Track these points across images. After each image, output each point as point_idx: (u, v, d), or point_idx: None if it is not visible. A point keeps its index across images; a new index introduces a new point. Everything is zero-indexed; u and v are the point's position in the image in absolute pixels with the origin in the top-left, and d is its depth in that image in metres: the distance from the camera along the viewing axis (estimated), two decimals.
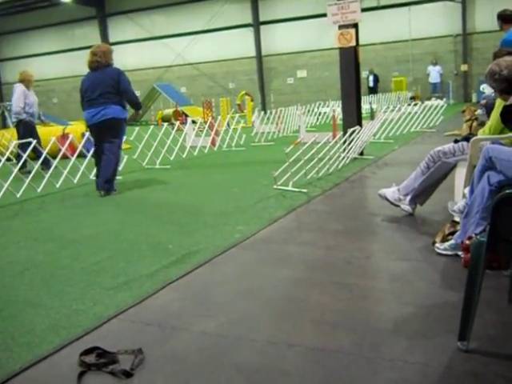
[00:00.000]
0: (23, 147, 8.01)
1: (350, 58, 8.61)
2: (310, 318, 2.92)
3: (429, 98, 23.32)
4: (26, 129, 9.56)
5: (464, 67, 26.11)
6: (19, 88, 9.56)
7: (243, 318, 2.99)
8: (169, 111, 24.37)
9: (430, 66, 25.70)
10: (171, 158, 10.24)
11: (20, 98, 9.42)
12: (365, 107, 15.23)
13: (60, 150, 8.34)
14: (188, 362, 2.51)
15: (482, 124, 9.10)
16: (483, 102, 10.54)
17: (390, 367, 2.36)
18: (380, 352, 2.50)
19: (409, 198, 4.84)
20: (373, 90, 25.23)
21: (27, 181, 7.43)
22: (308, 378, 2.33)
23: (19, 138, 9.19)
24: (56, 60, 34.83)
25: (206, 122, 12.86)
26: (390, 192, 4.96)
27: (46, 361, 2.63)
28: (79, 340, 2.81)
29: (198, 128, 12.43)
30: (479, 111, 12.02)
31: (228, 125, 13.60)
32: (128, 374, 2.40)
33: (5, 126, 23.02)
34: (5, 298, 3.55)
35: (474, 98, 23.85)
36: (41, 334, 2.95)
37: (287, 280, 3.55)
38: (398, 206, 4.93)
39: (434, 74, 25.58)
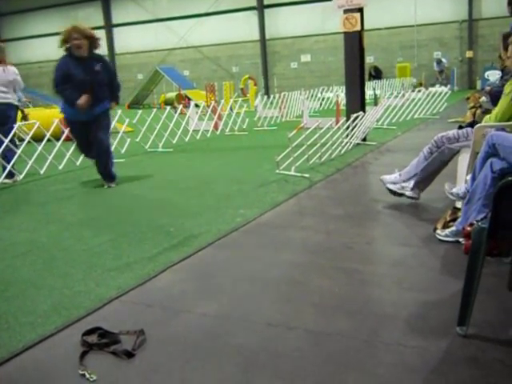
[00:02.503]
0: None
1: (354, 43, 8.56)
2: (310, 302, 2.94)
3: (433, 85, 23.21)
4: None
5: (469, 54, 25.97)
6: None
7: (244, 300, 3.01)
8: (172, 94, 24.31)
9: (435, 63, 25.54)
10: (174, 142, 10.24)
11: None
12: (368, 93, 15.17)
13: (63, 132, 8.34)
14: (189, 343, 2.54)
15: (486, 112, 9.05)
16: (487, 89, 10.48)
17: (388, 351, 2.39)
18: (379, 336, 2.52)
19: (412, 183, 4.81)
20: (375, 77, 25.16)
21: (30, 162, 7.44)
22: (307, 360, 2.35)
23: None
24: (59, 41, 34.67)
25: (208, 106, 12.83)
26: (392, 178, 4.93)
27: (49, 340, 2.66)
28: (81, 320, 2.84)
29: (201, 112, 12.40)
30: (483, 98, 11.96)
31: (231, 109, 13.57)
32: (130, 354, 2.43)
33: None
34: (8, 279, 3.58)
35: (479, 85, 23.74)
36: (43, 314, 2.97)
37: (288, 264, 3.57)
38: (402, 194, 4.88)
39: (441, 66, 25.52)
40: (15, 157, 7.25)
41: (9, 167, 7.10)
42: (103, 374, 2.31)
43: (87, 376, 2.27)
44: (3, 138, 6.97)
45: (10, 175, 7.19)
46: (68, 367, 2.38)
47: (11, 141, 7.19)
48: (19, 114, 7.72)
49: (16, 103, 7.40)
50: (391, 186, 4.92)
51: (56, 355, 2.52)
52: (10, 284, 3.47)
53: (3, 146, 7.03)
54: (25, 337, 2.70)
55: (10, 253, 4.16)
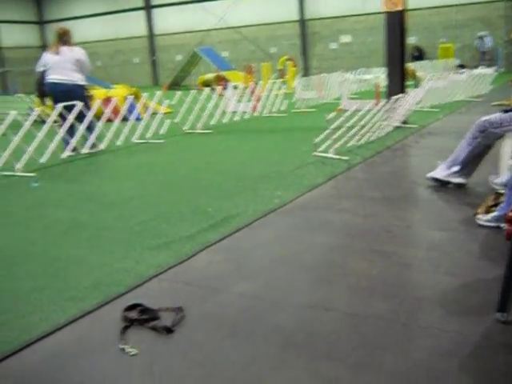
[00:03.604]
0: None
1: (396, 23, 8.38)
2: (347, 284, 2.94)
3: (476, 66, 22.56)
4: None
5: None
6: None
7: (281, 281, 3.03)
8: (210, 76, 24.32)
9: (477, 41, 24.76)
10: (212, 123, 10.28)
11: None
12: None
13: (104, 113, 8.47)
14: (226, 322, 2.58)
15: None
16: None
17: (425, 334, 2.37)
18: (416, 319, 2.51)
19: (456, 168, 4.69)
20: (418, 58, 24.59)
21: (72, 141, 7.59)
22: (344, 341, 2.36)
23: None
24: (99, 22, 35.04)
25: (247, 88, 12.81)
26: (438, 170, 4.82)
27: (91, 315, 2.74)
28: (122, 297, 2.92)
29: (239, 93, 12.39)
30: None
31: (269, 90, 13.50)
32: (169, 330, 2.49)
33: None
34: (51, 255, 3.69)
35: None
36: (85, 290, 3.07)
37: (325, 246, 3.57)
38: (448, 182, 4.74)
39: (483, 45, 24.73)
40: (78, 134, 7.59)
41: (72, 142, 7.37)
42: (143, 349, 2.37)
43: (127, 350, 2.34)
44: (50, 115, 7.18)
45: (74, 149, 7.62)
46: (109, 341, 2.45)
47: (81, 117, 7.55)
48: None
49: (82, 83, 7.68)
50: (437, 175, 4.78)
51: (97, 330, 2.60)
52: (53, 260, 3.59)
53: (65, 124, 7.32)
54: (67, 311, 2.80)
55: (52, 230, 4.29)
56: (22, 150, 6.80)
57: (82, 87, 7.71)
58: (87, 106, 7.71)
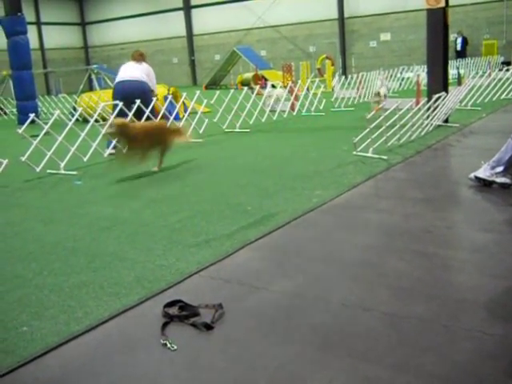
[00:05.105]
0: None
1: (438, 20, 8.24)
2: (386, 284, 2.92)
3: None
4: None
5: None
6: None
7: (320, 280, 3.03)
8: (248, 75, 24.38)
9: None
10: (251, 122, 10.31)
11: None
12: (452, 72, 14.59)
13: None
14: (265, 319, 2.60)
15: None
16: None
17: (467, 337, 2.34)
18: (458, 321, 2.47)
19: (500, 168, 4.58)
20: (461, 54, 24.01)
21: (114, 141, 7.73)
22: (383, 341, 2.34)
23: None
24: (139, 23, 35.51)
25: (285, 87, 12.79)
26: (482, 170, 4.72)
27: (133, 310, 2.80)
28: (163, 293, 2.97)
29: (278, 92, 12.38)
30: None
31: (308, 89, 13.46)
32: (209, 327, 2.52)
33: (91, 89, 23.96)
34: (94, 251, 3.78)
35: None
36: (127, 285, 3.13)
37: (364, 246, 3.55)
38: (492, 182, 4.65)
39: None
40: None
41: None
42: (183, 345, 2.41)
43: (168, 345, 2.39)
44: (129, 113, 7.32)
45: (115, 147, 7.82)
46: (150, 336, 2.50)
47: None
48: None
49: (150, 87, 8.42)
50: (480, 174, 4.68)
51: (139, 324, 2.65)
52: (96, 256, 3.67)
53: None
54: (110, 306, 2.86)
55: (95, 226, 4.38)
56: (66, 149, 6.97)
57: (150, 90, 8.41)
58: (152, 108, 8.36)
